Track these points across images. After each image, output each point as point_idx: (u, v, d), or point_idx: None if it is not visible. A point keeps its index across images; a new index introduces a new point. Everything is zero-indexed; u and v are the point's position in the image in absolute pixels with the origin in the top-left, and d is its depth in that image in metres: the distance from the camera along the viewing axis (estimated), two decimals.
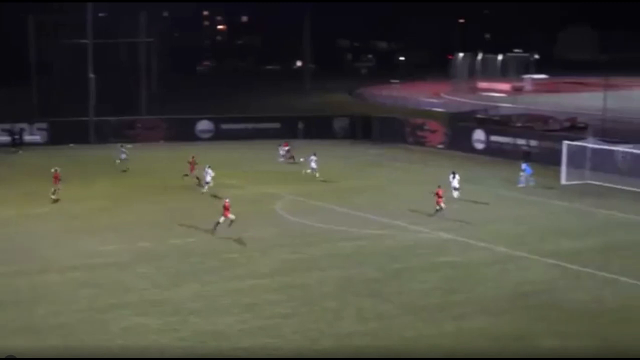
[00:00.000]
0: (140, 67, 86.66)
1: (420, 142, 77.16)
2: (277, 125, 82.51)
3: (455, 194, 52.70)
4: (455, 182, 53.36)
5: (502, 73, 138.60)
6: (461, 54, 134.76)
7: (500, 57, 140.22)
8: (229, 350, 30.11)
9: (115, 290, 36.32)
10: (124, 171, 63.43)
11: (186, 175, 59.08)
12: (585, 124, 78.18)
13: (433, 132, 77.49)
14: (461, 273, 38.87)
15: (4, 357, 26.94)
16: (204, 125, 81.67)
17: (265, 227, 47.33)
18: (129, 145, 66.00)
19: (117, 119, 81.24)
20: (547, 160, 64.25)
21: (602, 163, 60.16)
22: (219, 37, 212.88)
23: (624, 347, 30.61)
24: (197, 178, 58.14)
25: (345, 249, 42.87)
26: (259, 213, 50.70)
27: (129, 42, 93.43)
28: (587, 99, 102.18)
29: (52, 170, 54.81)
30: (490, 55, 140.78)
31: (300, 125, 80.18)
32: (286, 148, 68.62)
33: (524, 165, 58.76)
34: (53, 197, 53.27)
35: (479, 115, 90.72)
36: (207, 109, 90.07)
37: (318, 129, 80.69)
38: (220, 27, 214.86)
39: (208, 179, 55.67)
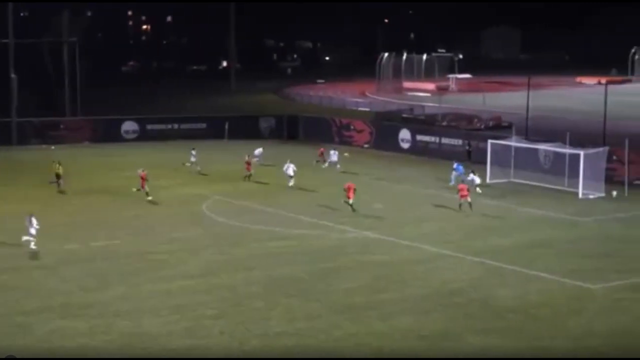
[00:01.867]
0: (64, 67, 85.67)
1: (347, 142, 77.49)
2: (203, 125, 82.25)
3: (478, 190, 54.42)
4: (477, 180, 55.07)
5: (427, 73, 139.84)
6: (386, 54, 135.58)
7: (424, 56, 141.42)
8: (157, 351, 30.00)
9: (41, 293, 35.92)
10: (203, 174, 62.20)
11: (247, 176, 59.73)
12: (509, 122, 79.22)
13: (359, 131, 77.89)
14: (388, 272, 39.18)
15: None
16: (129, 125, 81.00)
17: (193, 227, 47.21)
18: (193, 151, 64.34)
19: (40, 120, 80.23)
20: (473, 158, 65.12)
21: (526, 161, 61.08)
22: (143, 37, 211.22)
23: (548, 344, 31.16)
24: (250, 175, 59.73)
25: (272, 249, 42.95)
26: (186, 214, 50.54)
27: (52, 41, 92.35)
28: (510, 98, 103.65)
29: (139, 170, 54.44)
30: (415, 55, 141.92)
31: (227, 126, 79.98)
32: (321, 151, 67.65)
33: (455, 164, 59.10)
34: (150, 198, 53.19)
35: (404, 115, 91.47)
36: (132, 109, 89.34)
37: (244, 129, 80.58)
38: (144, 26, 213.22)
39: (291, 172, 57.20)
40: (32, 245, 42.17)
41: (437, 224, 48.42)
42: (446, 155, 68.09)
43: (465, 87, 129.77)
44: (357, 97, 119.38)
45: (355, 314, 33.62)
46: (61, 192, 56.49)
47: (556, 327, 32.57)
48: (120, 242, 43.95)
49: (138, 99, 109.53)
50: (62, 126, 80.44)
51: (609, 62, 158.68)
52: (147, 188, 53.62)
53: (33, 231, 42.41)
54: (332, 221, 48.22)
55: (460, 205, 50.46)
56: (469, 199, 50.41)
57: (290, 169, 57.83)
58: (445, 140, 71.50)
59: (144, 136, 79.98)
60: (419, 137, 73.50)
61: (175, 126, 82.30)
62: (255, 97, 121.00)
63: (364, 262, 40.78)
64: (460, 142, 69.96)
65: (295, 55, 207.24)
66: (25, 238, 42.53)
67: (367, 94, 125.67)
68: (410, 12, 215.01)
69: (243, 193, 56.04)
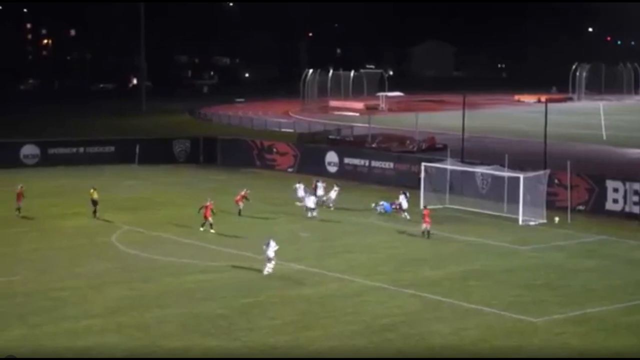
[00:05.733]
0: None
1: (269, 166, 77.52)
2: (111, 149, 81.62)
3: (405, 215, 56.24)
4: (405, 203, 56.48)
5: (355, 91, 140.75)
6: (311, 70, 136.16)
7: (352, 73, 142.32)
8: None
9: None
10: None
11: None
12: (443, 144, 79.94)
13: (282, 154, 77.94)
14: (316, 307, 39.16)
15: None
16: (28, 149, 79.94)
17: (100, 261, 46.67)
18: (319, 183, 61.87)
19: None
20: (405, 183, 65.21)
21: (462, 186, 61.64)
22: (44, 53, 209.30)
23: None
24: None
25: (188, 283, 42.66)
26: (93, 246, 49.98)
27: None
28: (445, 118, 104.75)
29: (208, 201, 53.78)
30: (341, 72, 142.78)
31: (137, 149, 79.46)
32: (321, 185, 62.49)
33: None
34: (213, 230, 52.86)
35: (331, 136, 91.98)
36: (32, 131, 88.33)
37: (157, 152, 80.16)
38: (45, 41, 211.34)
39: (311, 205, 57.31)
40: (269, 270, 43.52)
41: (367, 254, 48.55)
42: (376, 179, 68.36)
43: (396, 106, 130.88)
44: (280, 117, 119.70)
45: (280, 354, 33.51)
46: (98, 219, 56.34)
47: None
48: (19, 278, 43.26)
49: (39, 120, 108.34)
50: None
51: (548, 80, 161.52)
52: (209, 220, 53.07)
53: (271, 253, 43.39)
54: (254, 252, 48.05)
55: (423, 232, 51.99)
56: (429, 227, 51.92)
57: (326, 190, 59.58)
58: (375, 164, 71.80)
59: (45, 161, 79.02)
60: (347, 160, 73.78)
61: (81, 150, 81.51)
62: (168, 118, 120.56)
63: (289, 296, 40.70)
64: (392, 165, 70.20)
65: (212, 73, 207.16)
66: (268, 270, 43.61)
67: (291, 113, 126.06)
68: (336, 25, 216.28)
69: (156, 223, 55.60)
